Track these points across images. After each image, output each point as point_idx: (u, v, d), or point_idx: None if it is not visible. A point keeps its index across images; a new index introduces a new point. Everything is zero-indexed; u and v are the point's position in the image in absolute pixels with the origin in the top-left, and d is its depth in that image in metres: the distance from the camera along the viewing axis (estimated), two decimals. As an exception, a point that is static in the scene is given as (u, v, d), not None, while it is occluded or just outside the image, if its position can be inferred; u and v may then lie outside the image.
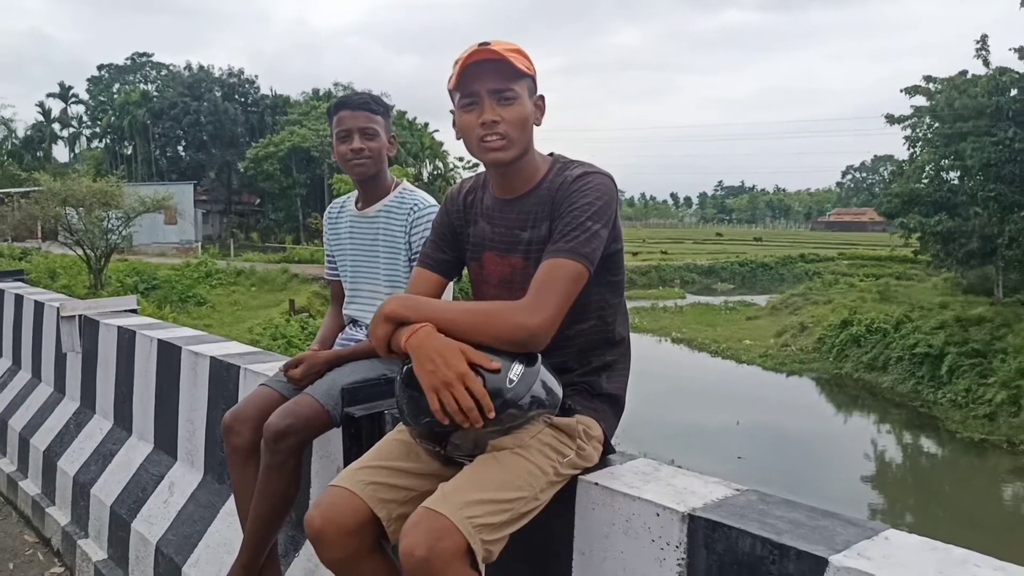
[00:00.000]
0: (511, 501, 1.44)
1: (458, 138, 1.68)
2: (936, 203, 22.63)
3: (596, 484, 1.56)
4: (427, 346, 1.46)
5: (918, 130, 24.58)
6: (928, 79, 23.59)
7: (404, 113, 52.04)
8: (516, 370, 1.46)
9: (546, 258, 1.56)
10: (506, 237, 1.72)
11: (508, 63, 1.59)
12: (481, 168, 1.81)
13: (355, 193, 2.49)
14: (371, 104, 2.32)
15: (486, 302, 1.61)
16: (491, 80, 1.60)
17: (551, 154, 1.75)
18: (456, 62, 1.61)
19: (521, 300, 1.52)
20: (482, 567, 1.40)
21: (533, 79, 1.66)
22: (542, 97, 1.70)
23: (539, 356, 1.52)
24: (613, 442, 1.73)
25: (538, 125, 1.68)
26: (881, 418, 18.61)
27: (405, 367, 1.52)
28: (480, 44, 1.60)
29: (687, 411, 17.43)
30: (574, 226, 1.56)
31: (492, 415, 1.41)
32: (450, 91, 1.66)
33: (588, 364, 1.72)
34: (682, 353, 24.79)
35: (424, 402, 1.45)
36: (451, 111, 1.69)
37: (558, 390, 1.54)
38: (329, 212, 2.58)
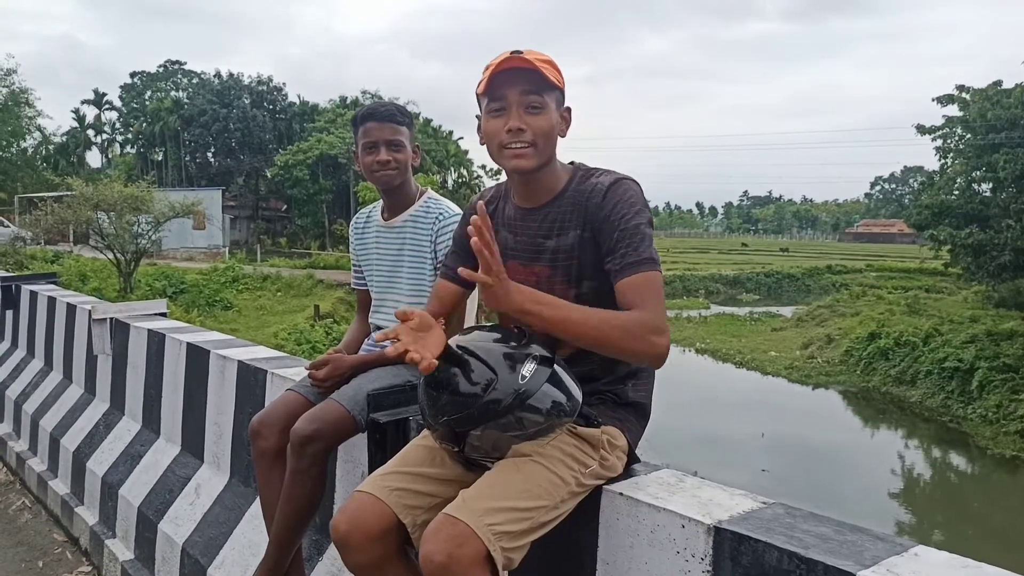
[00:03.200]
0: (531, 510, 1.44)
1: (482, 143, 1.69)
2: (967, 215, 22.29)
3: (621, 494, 1.56)
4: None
5: (949, 141, 24.27)
6: (960, 88, 23.29)
7: (429, 120, 52.30)
8: (529, 367, 1.47)
9: (631, 272, 1.54)
10: (529, 246, 1.72)
11: (539, 73, 1.60)
12: (504, 177, 1.82)
13: (380, 203, 2.51)
14: (397, 116, 2.34)
15: (615, 314, 1.52)
16: (520, 88, 1.60)
17: (571, 162, 1.75)
18: (487, 67, 1.62)
19: (650, 317, 1.50)
20: (503, 574, 1.40)
21: (562, 91, 1.66)
22: (568, 109, 1.70)
23: (554, 356, 1.53)
24: (636, 451, 1.72)
25: (563, 137, 1.69)
26: (909, 432, 18.30)
27: None
28: (513, 52, 1.61)
29: (711, 422, 17.27)
30: (640, 236, 1.57)
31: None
32: (478, 96, 1.67)
33: (614, 372, 1.72)
34: (706, 363, 24.58)
35: (442, 401, 1.48)
36: (477, 116, 1.70)
37: (577, 394, 1.54)
38: (355, 222, 2.60)
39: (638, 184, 1.65)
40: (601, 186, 1.63)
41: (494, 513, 1.40)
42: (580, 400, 1.54)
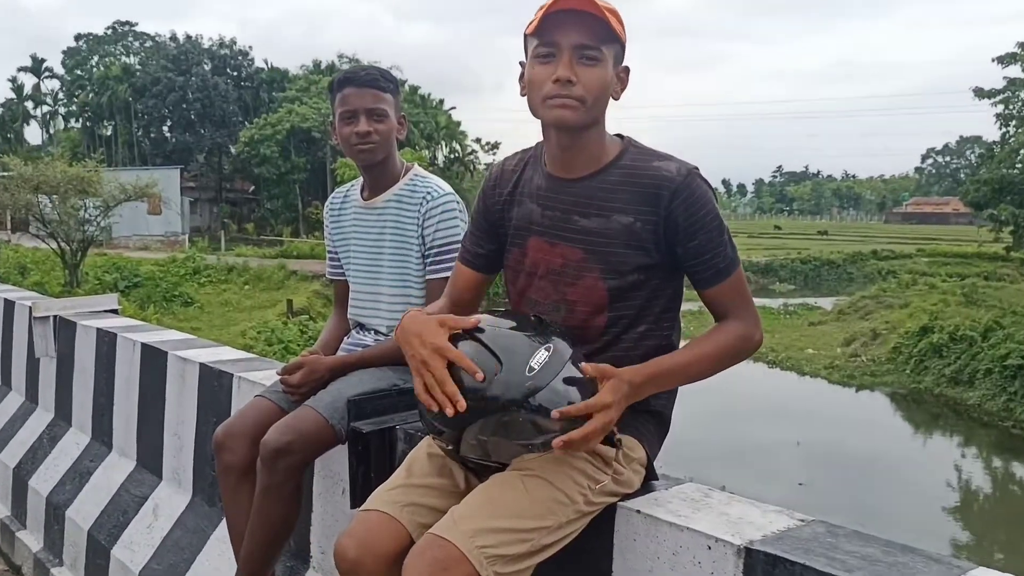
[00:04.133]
0: (530, 531, 1.44)
1: (523, 94, 1.65)
2: (1032, 191, 22.26)
3: (638, 512, 1.56)
4: (406, 330, 1.53)
5: (1012, 106, 24.22)
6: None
7: (416, 88, 52.29)
8: (540, 357, 1.45)
9: (721, 279, 1.63)
10: (560, 222, 1.69)
11: (602, 20, 1.55)
12: (500, 155, 1.80)
13: (360, 181, 2.50)
14: (379, 81, 2.33)
15: (716, 342, 1.64)
16: (577, 34, 1.55)
17: (619, 135, 1.72)
18: (542, 6, 1.57)
19: (746, 325, 1.65)
20: None
21: (623, 46, 1.62)
22: (627, 69, 1.66)
23: (575, 350, 1.51)
24: (655, 464, 1.72)
25: (616, 99, 1.65)
26: (966, 440, 18.34)
27: None
28: None
29: (740, 430, 17.31)
30: (724, 236, 1.63)
31: (480, 376, 1.42)
32: (526, 36, 1.63)
33: None
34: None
35: (436, 422, 1.48)
36: (520, 62, 1.67)
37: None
38: (331, 203, 2.59)
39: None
40: (670, 175, 1.60)
41: (487, 534, 1.40)
42: None
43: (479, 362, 1.45)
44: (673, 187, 1.59)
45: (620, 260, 1.64)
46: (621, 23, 1.59)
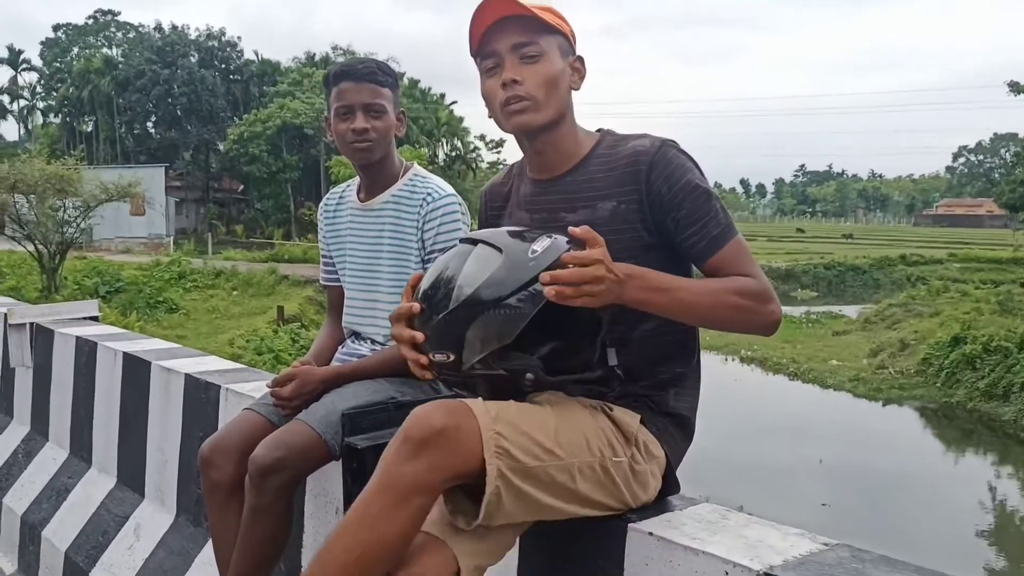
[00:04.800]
0: (545, 450, 1.46)
1: (490, 116, 1.74)
2: (1072, 192, 22.24)
3: (650, 534, 1.56)
4: None
5: (1049, 102, 24.21)
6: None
7: (416, 82, 52.46)
8: (542, 243, 1.49)
9: (719, 246, 1.62)
10: (548, 223, 1.74)
11: (530, 16, 1.64)
12: (505, 153, 1.85)
13: (356, 181, 2.51)
14: (377, 74, 2.34)
15: (728, 286, 1.59)
16: (512, 36, 1.65)
17: (599, 129, 1.80)
18: (470, 27, 1.67)
19: (762, 284, 1.61)
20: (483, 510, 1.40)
21: (566, 37, 1.71)
22: (580, 59, 1.75)
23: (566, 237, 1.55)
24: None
25: (576, 89, 1.74)
26: (1001, 457, 18.28)
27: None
28: None
29: (759, 446, 17.28)
30: (712, 202, 1.64)
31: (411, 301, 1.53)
32: (472, 56, 1.73)
33: (656, 375, 1.73)
34: (753, 375, 24.60)
35: (438, 297, 1.50)
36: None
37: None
38: (325, 205, 2.61)
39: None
40: (644, 149, 1.67)
41: (509, 426, 1.43)
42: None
43: (480, 257, 1.50)
44: (649, 160, 1.65)
45: (613, 248, 1.65)
46: (556, 14, 1.69)
